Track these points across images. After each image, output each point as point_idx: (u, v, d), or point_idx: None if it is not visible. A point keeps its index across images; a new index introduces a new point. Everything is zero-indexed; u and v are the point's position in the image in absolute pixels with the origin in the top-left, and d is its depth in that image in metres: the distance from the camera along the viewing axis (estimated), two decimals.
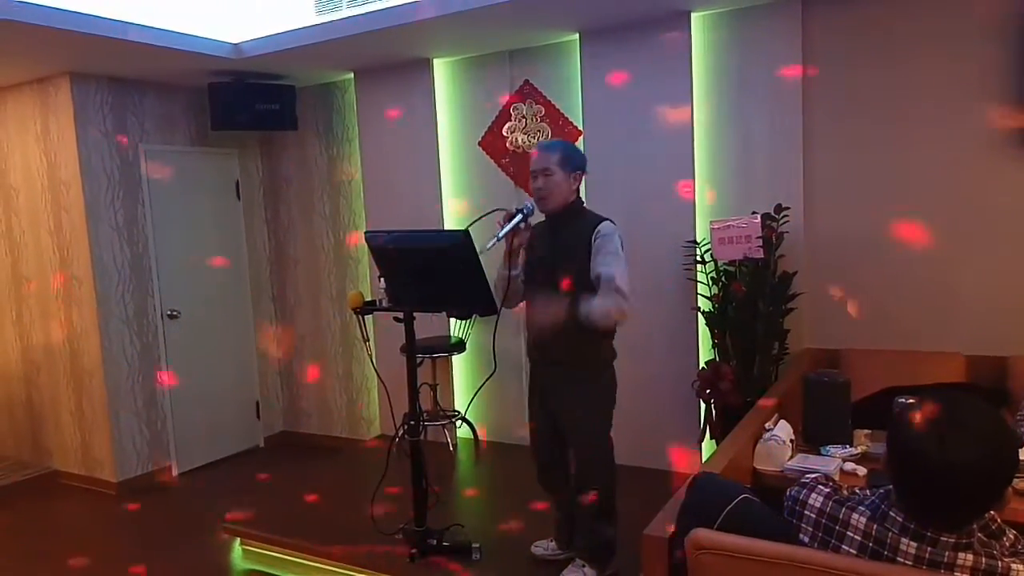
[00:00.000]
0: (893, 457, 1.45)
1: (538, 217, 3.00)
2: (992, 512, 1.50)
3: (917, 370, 3.30)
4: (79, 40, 3.81)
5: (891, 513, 1.48)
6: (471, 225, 2.93)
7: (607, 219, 2.91)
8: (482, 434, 5.02)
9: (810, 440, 2.91)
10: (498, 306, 2.99)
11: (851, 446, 2.81)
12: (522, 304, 3.09)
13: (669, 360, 4.22)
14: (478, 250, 2.85)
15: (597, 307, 2.74)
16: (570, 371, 2.93)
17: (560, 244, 2.92)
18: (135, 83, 4.79)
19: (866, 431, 2.90)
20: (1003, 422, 1.42)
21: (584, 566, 3.04)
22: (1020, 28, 3.41)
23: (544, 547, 3.33)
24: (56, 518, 4.37)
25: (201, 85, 4.92)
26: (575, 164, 2.92)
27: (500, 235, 2.82)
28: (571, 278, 2.83)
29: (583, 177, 2.98)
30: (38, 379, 5.03)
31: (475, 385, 5.03)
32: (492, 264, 2.96)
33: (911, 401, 2.49)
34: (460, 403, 5.10)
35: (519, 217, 2.84)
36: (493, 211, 2.99)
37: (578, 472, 3.03)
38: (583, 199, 3.02)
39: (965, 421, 1.38)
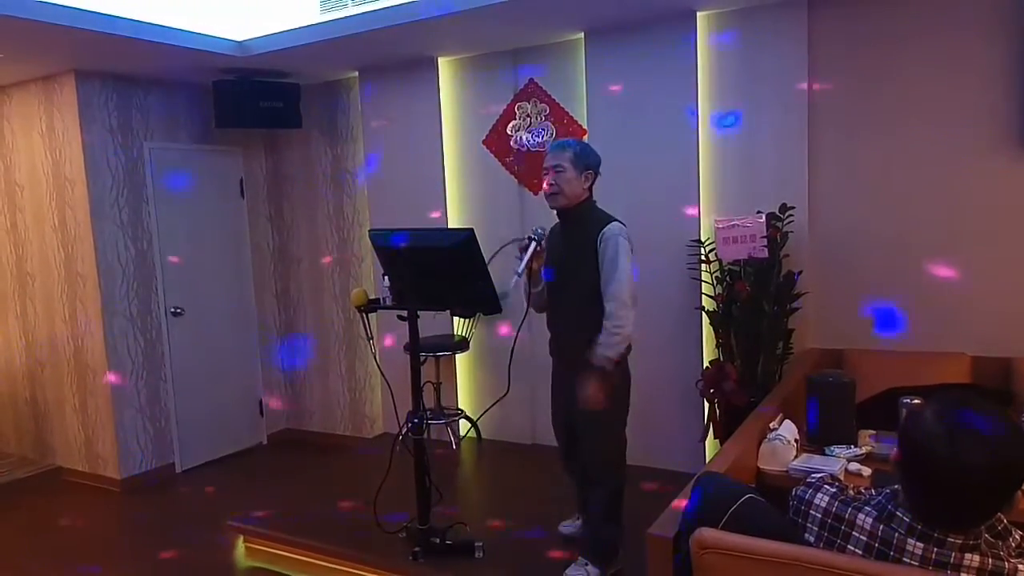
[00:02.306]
0: (904, 457, 1.44)
1: (550, 217, 3.09)
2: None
3: (922, 371, 3.29)
4: (84, 37, 3.81)
5: (898, 513, 1.47)
6: (490, 261, 2.96)
7: (616, 220, 2.95)
8: (485, 433, 5.02)
9: (814, 440, 2.90)
10: (499, 307, 3.03)
11: (856, 446, 2.80)
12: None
13: (673, 359, 4.22)
14: (504, 291, 2.94)
15: (606, 351, 2.82)
16: (586, 369, 2.95)
17: (572, 245, 2.98)
18: (140, 81, 4.79)
19: (871, 431, 2.90)
20: (1015, 424, 1.40)
21: (587, 564, 3.04)
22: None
23: (573, 526, 3.42)
24: (60, 515, 4.38)
25: (206, 83, 4.93)
26: (588, 163, 2.95)
27: (520, 269, 2.87)
28: (578, 278, 2.92)
29: (595, 177, 3.00)
30: (42, 376, 5.04)
31: (478, 384, 5.05)
32: (499, 265, 2.98)
33: (917, 402, 2.49)
34: (463, 401, 5.10)
35: (533, 244, 2.90)
36: (509, 243, 3.07)
37: (589, 469, 3.05)
38: (595, 199, 3.04)
39: (977, 423, 1.37)
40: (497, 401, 3.72)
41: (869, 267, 3.83)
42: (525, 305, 3.12)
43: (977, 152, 3.56)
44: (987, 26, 3.49)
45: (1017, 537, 1.50)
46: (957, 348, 3.52)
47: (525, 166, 4.70)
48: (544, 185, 2.98)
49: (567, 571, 3.06)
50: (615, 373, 2.95)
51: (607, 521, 3.02)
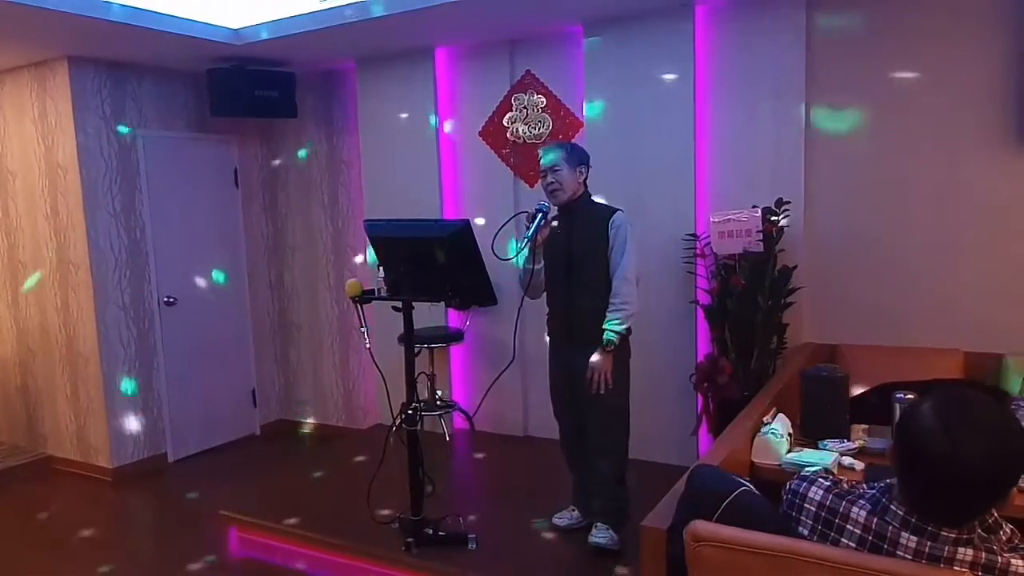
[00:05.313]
0: (900, 451, 1.44)
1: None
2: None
3: (915, 366, 3.29)
4: (77, 23, 3.77)
5: (892, 507, 1.47)
6: (498, 232, 3.21)
7: (618, 209, 3.20)
8: (478, 425, 5.01)
9: (808, 434, 2.90)
10: (495, 299, 3.16)
11: (849, 440, 2.81)
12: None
13: (667, 353, 4.22)
14: (510, 256, 3.19)
15: (618, 326, 3.06)
16: (598, 347, 3.12)
17: (577, 234, 3.16)
18: (134, 68, 4.75)
19: (864, 426, 2.90)
20: (1013, 419, 1.40)
21: (608, 528, 3.19)
22: (1022, 25, 3.41)
23: (569, 517, 3.47)
24: (51, 504, 4.36)
25: (200, 71, 4.89)
26: (579, 159, 3.18)
27: (530, 233, 3.06)
28: (590, 264, 3.13)
29: (588, 171, 3.21)
30: (33, 365, 5.01)
31: (472, 376, 5.04)
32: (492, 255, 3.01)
33: (910, 397, 2.49)
34: (457, 393, 5.09)
35: (540, 216, 3.08)
36: (517, 215, 3.42)
37: (600, 440, 3.21)
38: (589, 192, 3.26)
39: (975, 418, 1.36)
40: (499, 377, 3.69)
41: (864, 262, 3.84)
42: (523, 291, 3.23)
43: (973, 147, 3.57)
44: (985, 21, 3.49)
45: (1008, 531, 1.51)
46: (951, 344, 3.54)
47: (521, 158, 4.69)
48: (544, 185, 3.17)
49: (591, 538, 3.20)
50: (623, 347, 3.16)
51: (618, 485, 3.23)
